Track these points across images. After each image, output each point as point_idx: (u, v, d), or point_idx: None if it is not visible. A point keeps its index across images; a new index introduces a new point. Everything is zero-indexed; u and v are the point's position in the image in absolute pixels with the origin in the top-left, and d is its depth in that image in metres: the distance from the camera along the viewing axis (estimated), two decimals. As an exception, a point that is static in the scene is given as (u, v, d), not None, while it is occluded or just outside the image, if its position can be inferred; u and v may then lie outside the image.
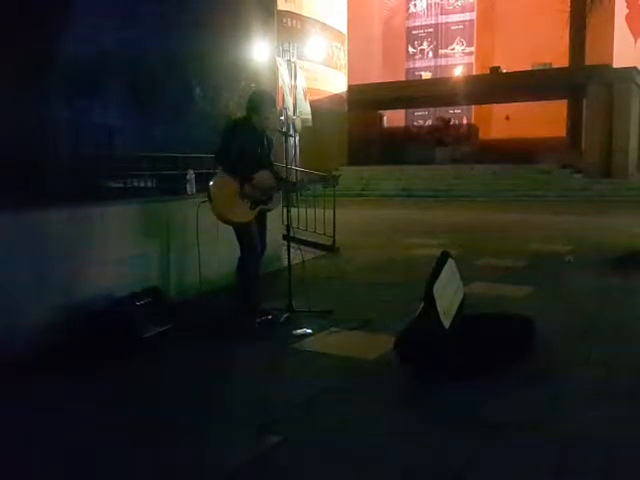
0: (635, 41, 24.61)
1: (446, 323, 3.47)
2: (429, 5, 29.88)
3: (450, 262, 3.86)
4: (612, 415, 2.90)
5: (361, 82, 23.84)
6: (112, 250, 4.50)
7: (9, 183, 4.21)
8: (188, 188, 5.50)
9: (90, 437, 2.76)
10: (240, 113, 5.74)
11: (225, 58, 7.08)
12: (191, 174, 5.51)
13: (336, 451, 2.60)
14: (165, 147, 6.29)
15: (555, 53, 23.85)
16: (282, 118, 10.51)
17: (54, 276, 4.04)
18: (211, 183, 4.40)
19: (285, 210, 5.04)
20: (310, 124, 11.69)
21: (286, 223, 4.88)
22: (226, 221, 4.46)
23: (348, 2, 23.77)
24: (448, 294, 3.67)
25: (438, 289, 3.49)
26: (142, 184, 5.94)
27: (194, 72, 6.71)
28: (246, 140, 4.44)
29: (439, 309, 3.44)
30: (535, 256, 7.47)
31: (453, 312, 3.66)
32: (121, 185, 5.72)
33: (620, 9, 23.51)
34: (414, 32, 30.46)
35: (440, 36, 29.72)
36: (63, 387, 3.34)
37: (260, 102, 4.57)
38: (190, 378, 3.55)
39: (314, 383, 3.40)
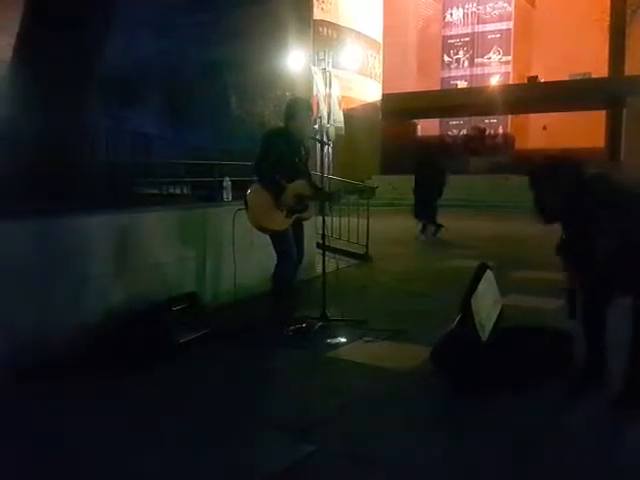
0: (677, 51, 24.04)
1: (483, 335, 3.42)
2: (465, 14, 29.74)
3: (488, 273, 3.81)
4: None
5: (396, 91, 23.83)
6: (150, 255, 4.56)
7: (50, 189, 4.32)
8: (224, 195, 5.55)
9: (122, 439, 2.79)
10: (275, 121, 5.79)
11: (261, 67, 7.16)
12: (227, 181, 5.56)
13: (370, 461, 2.59)
14: (202, 154, 6.39)
15: (594, 63, 23.48)
16: (316, 126, 10.55)
17: (92, 280, 4.11)
18: (248, 192, 4.43)
19: (320, 219, 5.05)
20: (343, 133, 11.70)
21: (320, 232, 4.88)
22: (262, 229, 4.49)
23: (384, 11, 23.82)
24: (485, 306, 3.62)
25: (475, 300, 3.44)
26: (179, 191, 6.03)
27: (231, 81, 6.80)
28: (284, 149, 4.47)
29: (476, 321, 3.39)
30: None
31: (490, 324, 3.61)
32: (159, 191, 5.82)
33: (662, 18, 23.03)
34: (450, 41, 30.34)
35: (476, 45, 29.53)
36: (97, 390, 3.38)
37: (296, 109, 4.60)
38: (224, 384, 3.57)
39: (348, 393, 3.38)
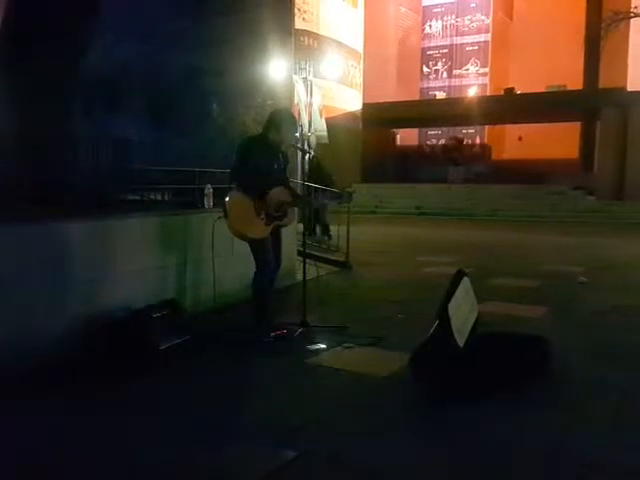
0: (650, 65, 24.58)
1: (460, 341, 3.49)
2: (444, 26, 30.13)
3: (465, 281, 3.88)
4: (628, 441, 2.89)
5: (376, 100, 24.02)
6: (130, 262, 4.55)
7: (29, 196, 4.30)
8: (206, 202, 5.56)
9: (102, 449, 2.78)
10: (256, 129, 5.83)
11: (243, 75, 7.18)
12: (209, 188, 5.58)
13: (351, 467, 2.62)
14: (183, 162, 6.38)
15: (569, 75, 23.95)
16: (297, 135, 10.61)
17: (72, 287, 4.09)
18: (227, 199, 4.42)
19: (300, 226, 5.09)
20: (326, 141, 11.77)
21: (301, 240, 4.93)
22: (241, 237, 4.48)
23: (365, 22, 24.05)
24: (462, 312, 3.69)
25: (453, 307, 3.50)
26: (160, 197, 6.03)
27: (212, 89, 6.81)
28: (261, 156, 4.47)
29: (453, 327, 3.45)
30: (548, 276, 7.46)
31: (467, 331, 3.67)
32: (139, 198, 5.81)
33: (635, 32, 23.48)
34: (429, 52, 30.70)
35: (455, 57, 29.92)
36: (77, 398, 3.37)
37: (281, 120, 4.59)
38: (205, 391, 3.58)
39: (329, 399, 3.42)
